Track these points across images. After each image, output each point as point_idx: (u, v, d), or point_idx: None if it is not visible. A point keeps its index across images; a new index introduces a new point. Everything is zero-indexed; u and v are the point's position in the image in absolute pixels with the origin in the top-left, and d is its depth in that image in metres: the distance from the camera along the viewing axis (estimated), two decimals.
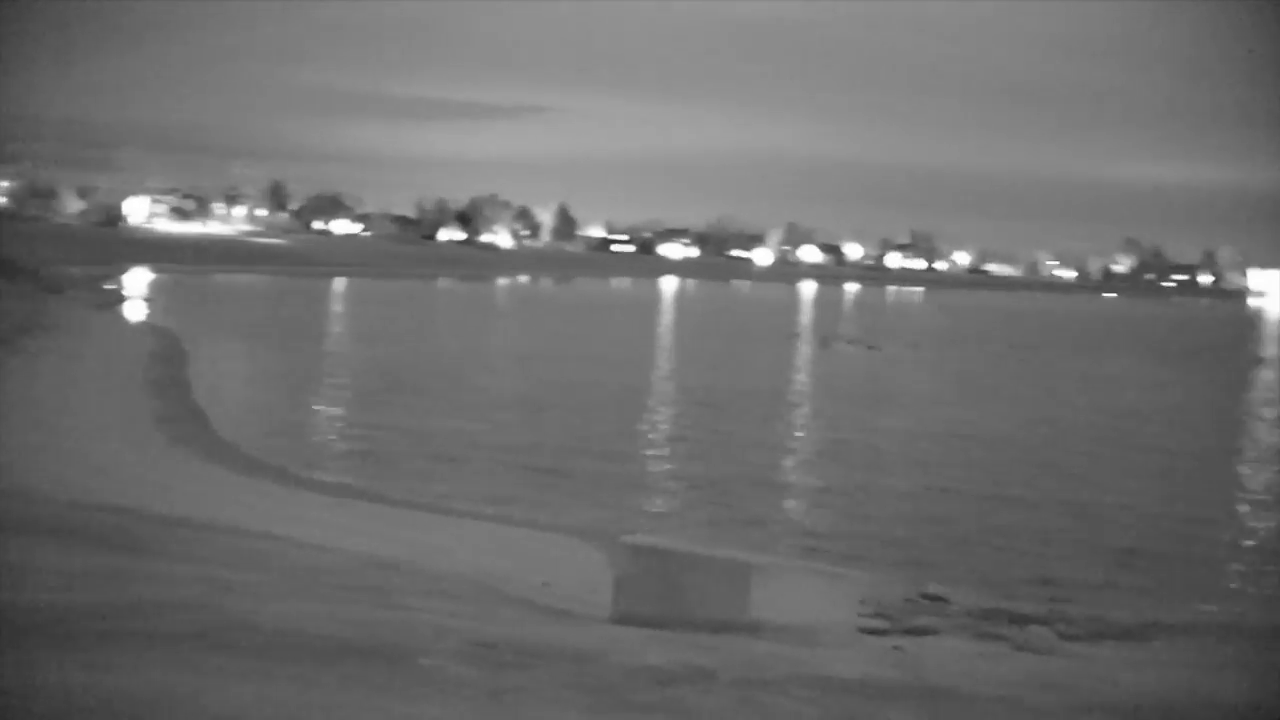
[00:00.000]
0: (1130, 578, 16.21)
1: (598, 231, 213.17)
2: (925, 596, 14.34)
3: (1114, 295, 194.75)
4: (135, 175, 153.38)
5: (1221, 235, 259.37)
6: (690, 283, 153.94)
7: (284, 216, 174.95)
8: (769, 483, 22.66)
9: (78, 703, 5.18)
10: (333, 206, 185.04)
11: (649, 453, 25.93)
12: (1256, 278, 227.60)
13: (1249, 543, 18.82)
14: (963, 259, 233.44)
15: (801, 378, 44.76)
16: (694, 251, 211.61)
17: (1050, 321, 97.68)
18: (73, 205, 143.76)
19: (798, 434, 29.74)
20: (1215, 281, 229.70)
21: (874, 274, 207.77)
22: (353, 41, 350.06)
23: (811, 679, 7.19)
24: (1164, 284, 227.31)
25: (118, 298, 67.60)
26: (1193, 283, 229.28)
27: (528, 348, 51.38)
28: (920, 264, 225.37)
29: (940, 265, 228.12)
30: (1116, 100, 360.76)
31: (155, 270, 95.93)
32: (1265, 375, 54.98)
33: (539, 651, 7.27)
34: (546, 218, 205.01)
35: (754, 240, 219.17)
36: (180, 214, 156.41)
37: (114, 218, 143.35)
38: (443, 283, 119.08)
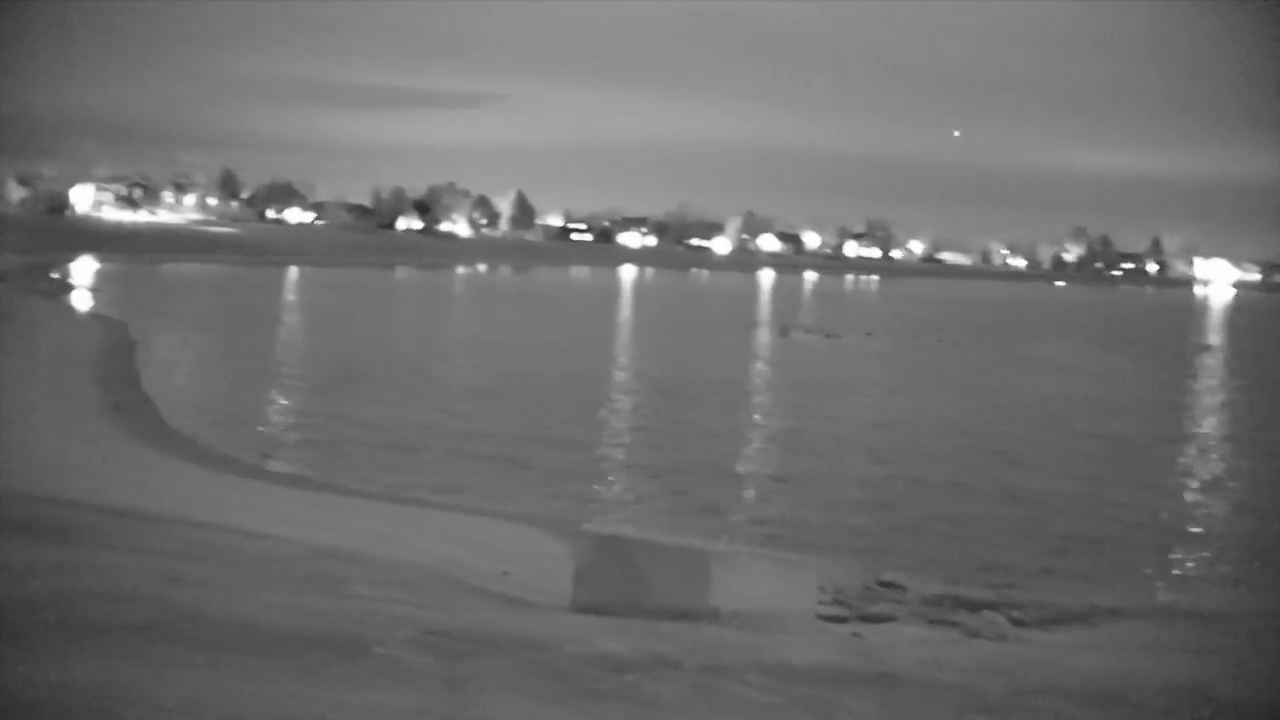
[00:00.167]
0: (1077, 563, 16.48)
1: (556, 220, 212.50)
2: (882, 584, 14.46)
3: (1063, 283, 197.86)
4: (82, 163, 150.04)
5: (1168, 224, 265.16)
6: (649, 271, 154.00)
7: (235, 205, 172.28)
8: (727, 471, 22.72)
9: (23, 695, 5.04)
10: (285, 195, 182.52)
11: (608, 442, 25.89)
12: (1201, 266, 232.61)
13: (1192, 529, 19.20)
14: (918, 248, 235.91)
15: (760, 366, 44.96)
16: (652, 240, 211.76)
17: (1001, 309, 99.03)
18: (15, 193, 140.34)
19: (756, 423, 29.86)
20: (1161, 270, 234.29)
21: (832, 263, 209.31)
22: (304, 28, 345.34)
23: (771, 666, 7.21)
24: (1112, 272, 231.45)
25: (64, 287, 66.19)
26: (1140, 271, 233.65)
27: (486, 337, 51.07)
28: (876, 253, 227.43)
29: (896, 254, 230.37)
30: (1066, 89, 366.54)
31: (102, 259, 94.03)
32: (1208, 362, 56.15)
33: (497, 640, 7.21)
34: (505, 206, 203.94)
35: (712, 229, 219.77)
36: (128, 202, 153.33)
37: (59, 206, 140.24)
38: (400, 272, 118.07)
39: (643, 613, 9.51)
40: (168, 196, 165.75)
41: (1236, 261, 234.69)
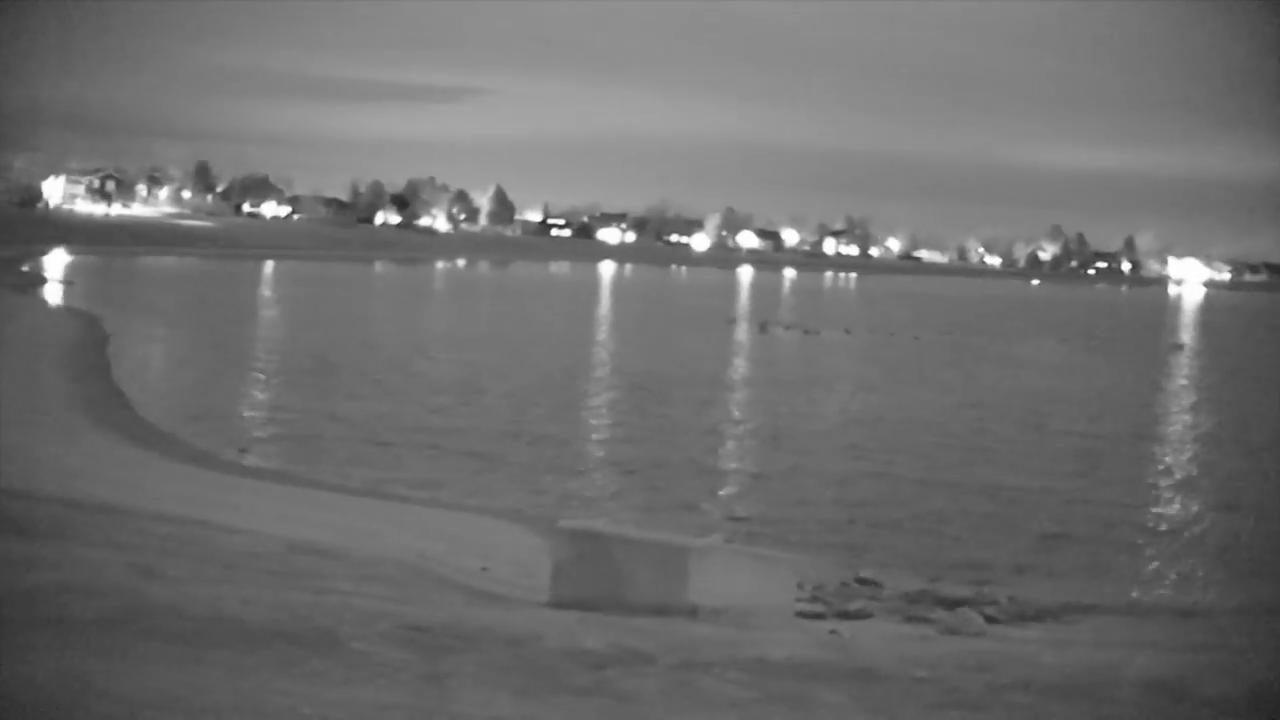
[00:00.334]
0: (1053, 560, 16.61)
1: (535, 215, 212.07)
2: (859, 580, 14.53)
3: (1038, 282, 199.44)
4: (54, 155, 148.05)
5: (1141, 222, 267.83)
6: (628, 267, 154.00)
7: (210, 199, 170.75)
8: (705, 468, 22.75)
9: None
10: (261, 188, 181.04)
11: (586, 438, 25.87)
12: (1174, 265, 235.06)
13: (1165, 526, 19.39)
14: (896, 245, 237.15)
15: (739, 363, 45.05)
16: (632, 236, 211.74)
17: (978, 307, 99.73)
18: None
19: (734, 419, 29.93)
20: (1135, 269, 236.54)
21: (811, 260, 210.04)
22: (281, 21, 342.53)
23: (748, 662, 7.22)
24: (1087, 271, 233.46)
25: (36, 280, 65.44)
26: (1114, 270, 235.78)
27: (464, 332, 50.91)
28: (855, 250, 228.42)
29: (875, 251, 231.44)
30: (1044, 87, 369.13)
31: (75, 253, 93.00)
32: (1181, 361, 56.76)
33: (475, 635, 7.19)
34: (484, 201, 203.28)
35: (692, 225, 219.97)
36: (101, 195, 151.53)
37: (32, 198, 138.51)
38: (378, 266, 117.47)
39: (621, 608, 9.50)
40: (141, 189, 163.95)
41: (1208, 261, 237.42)
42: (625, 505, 19.13)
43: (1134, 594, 15.02)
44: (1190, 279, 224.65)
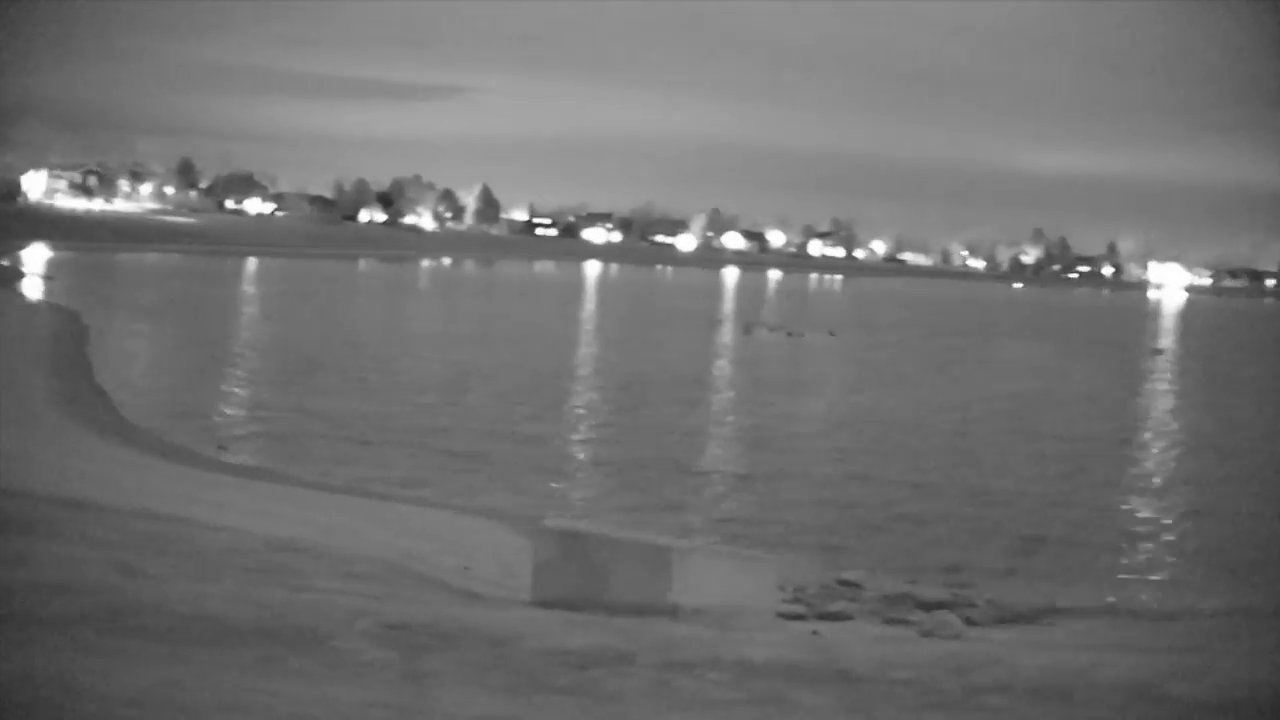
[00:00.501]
0: (1032, 563, 16.70)
1: (521, 214, 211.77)
2: (841, 582, 14.58)
3: (1021, 285, 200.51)
4: (35, 150, 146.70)
5: (1123, 227, 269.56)
6: (614, 267, 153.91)
7: (194, 195, 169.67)
8: (689, 469, 22.76)
9: None
10: (245, 185, 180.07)
11: (570, 438, 25.85)
12: (1155, 270, 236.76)
13: (1144, 530, 19.51)
14: (880, 248, 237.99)
15: (723, 364, 45.10)
16: (617, 236, 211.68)
17: (961, 310, 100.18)
18: None
19: (718, 420, 29.96)
20: (1116, 273, 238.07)
21: (796, 261, 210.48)
22: (268, 17, 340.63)
23: (729, 663, 7.24)
24: (1069, 275, 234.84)
25: (15, 275, 64.88)
26: (1096, 273, 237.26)
27: (448, 330, 50.78)
28: (840, 252, 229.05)
29: (860, 253, 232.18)
30: (1028, 90, 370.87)
31: (55, 248, 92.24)
32: (1162, 365, 57.17)
33: (457, 634, 7.19)
34: (470, 200, 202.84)
35: (678, 226, 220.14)
36: (82, 190, 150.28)
37: (11, 192, 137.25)
38: (363, 264, 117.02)
39: (603, 608, 9.50)
40: (124, 185, 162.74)
41: (1189, 266, 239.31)
42: (608, 506, 19.13)
43: (1111, 597, 15.12)
44: (1171, 284, 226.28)
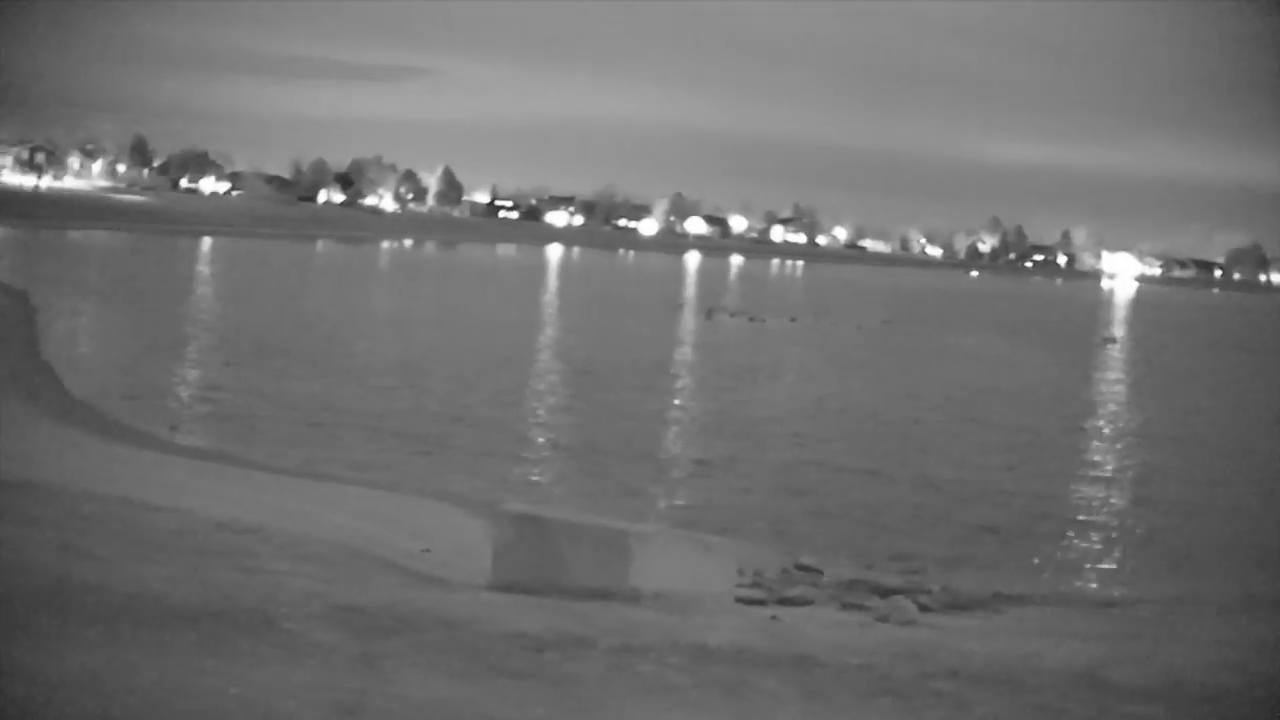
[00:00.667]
0: (984, 552, 16.92)
1: (484, 196, 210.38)
2: (799, 567, 14.63)
3: (977, 273, 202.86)
4: None
5: (1077, 216, 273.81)
6: (575, 251, 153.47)
7: (146, 174, 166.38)
8: (648, 454, 22.74)
9: None
10: (200, 164, 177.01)
11: (529, 422, 25.72)
12: (1108, 259, 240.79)
13: (1092, 519, 19.81)
14: (841, 234, 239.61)
15: (684, 349, 45.14)
16: (579, 220, 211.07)
17: (919, 298, 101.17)
18: None
19: (678, 405, 29.96)
20: (1070, 262, 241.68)
21: (758, 247, 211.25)
22: None
23: (687, 647, 7.22)
24: (1025, 264, 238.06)
25: None
26: (1051, 262, 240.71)
27: (408, 313, 50.32)
28: (802, 238, 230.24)
29: (821, 240, 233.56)
30: (985, 82, 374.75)
31: (1, 225, 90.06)
32: (1114, 354, 58.12)
33: (411, 617, 7.09)
34: (432, 182, 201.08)
35: (640, 210, 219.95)
36: (30, 167, 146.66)
37: None
38: (321, 245, 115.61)
39: (562, 592, 9.44)
40: (74, 162, 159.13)
41: (1140, 256, 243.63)
42: (567, 490, 19.06)
43: (1059, 585, 15.35)
44: (1123, 273, 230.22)
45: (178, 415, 23.37)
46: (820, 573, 14.41)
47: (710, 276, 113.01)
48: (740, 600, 11.43)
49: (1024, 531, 18.40)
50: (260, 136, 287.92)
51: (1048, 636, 9.64)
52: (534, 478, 20.10)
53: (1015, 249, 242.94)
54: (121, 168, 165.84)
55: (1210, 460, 26.93)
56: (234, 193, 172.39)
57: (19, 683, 4.96)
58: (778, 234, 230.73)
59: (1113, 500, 21.57)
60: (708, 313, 62.56)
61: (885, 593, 13.13)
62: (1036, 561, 16.63)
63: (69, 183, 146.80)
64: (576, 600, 9.06)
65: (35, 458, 14.39)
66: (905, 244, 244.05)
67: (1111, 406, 36.89)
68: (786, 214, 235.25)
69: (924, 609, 12.35)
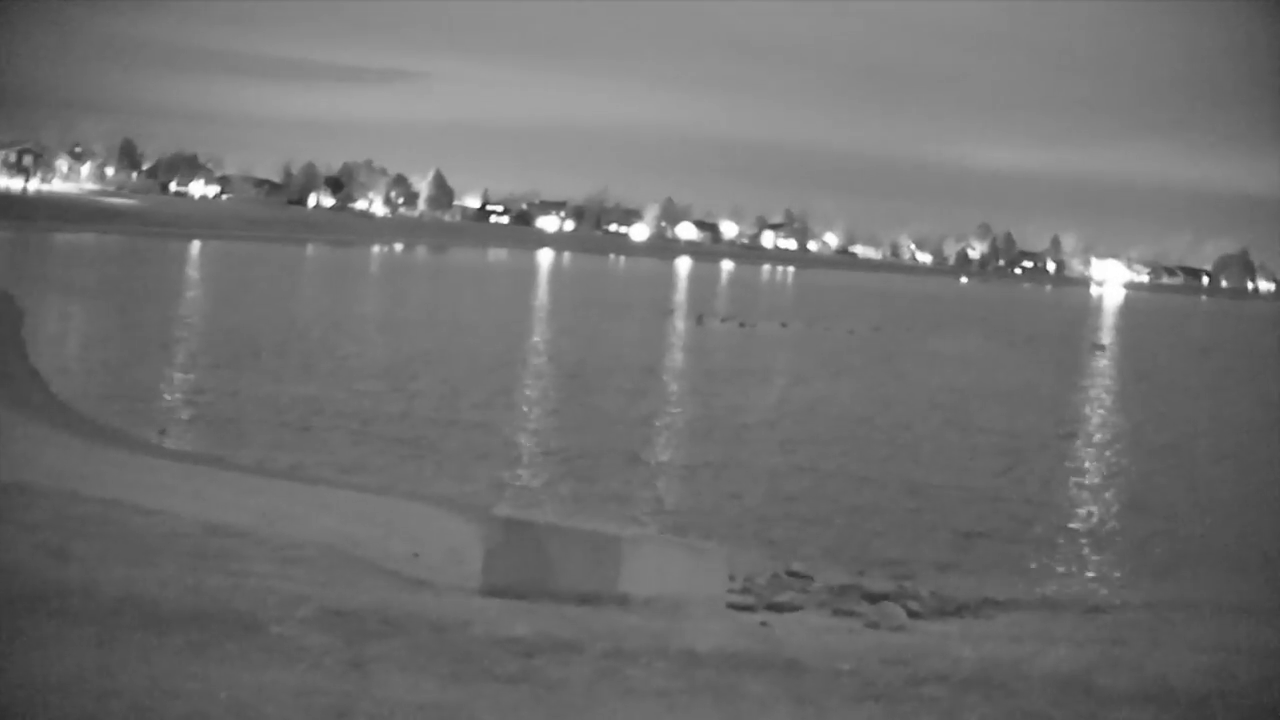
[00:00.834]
0: (972, 557, 16.98)
1: (475, 201, 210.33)
2: (790, 573, 14.65)
3: (967, 280, 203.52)
4: None
5: (1066, 223, 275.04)
6: (566, 256, 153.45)
7: (135, 176, 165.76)
8: (637, 459, 22.73)
9: None
10: (189, 167, 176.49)
11: (518, 426, 25.69)
12: (1096, 266, 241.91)
13: (1079, 525, 19.89)
14: (832, 240, 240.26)
15: (674, 354, 45.16)
16: (571, 225, 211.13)
17: (909, 303, 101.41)
18: None
19: (668, 410, 29.96)
20: (1059, 269, 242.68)
21: (749, 252, 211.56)
22: None
23: (677, 652, 7.21)
24: (1014, 270, 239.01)
25: None
26: (1040, 269, 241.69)
27: (397, 316, 50.23)
28: (793, 244, 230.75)
29: (812, 245, 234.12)
30: (976, 86, 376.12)
31: None
32: (1101, 361, 58.36)
33: (401, 621, 7.07)
34: (423, 186, 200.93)
35: (631, 215, 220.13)
36: (17, 169, 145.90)
37: None
38: (311, 249, 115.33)
39: (552, 597, 9.42)
40: (62, 165, 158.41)
41: (1128, 262, 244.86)
42: (556, 495, 19.03)
43: (1049, 590, 15.42)
44: (1111, 280, 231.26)
45: (167, 418, 23.28)
46: (810, 578, 14.42)
47: (701, 282, 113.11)
48: (731, 606, 11.43)
49: (1014, 537, 18.46)
50: (250, 139, 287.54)
51: (1038, 641, 9.66)
52: (524, 482, 20.06)
53: (1005, 255, 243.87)
54: (110, 170, 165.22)
55: (1198, 466, 27.06)
56: (223, 196, 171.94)
57: (8, 685, 4.93)
58: (769, 239, 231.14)
59: (1102, 506, 21.65)
60: (698, 318, 62.61)
61: (875, 598, 13.15)
62: (1026, 567, 16.69)
63: (57, 185, 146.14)
64: (566, 605, 9.05)
65: (21, 460, 14.31)
66: (896, 250, 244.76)
67: (1100, 413, 37.03)
68: (778, 219, 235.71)
69: (914, 614, 12.38)
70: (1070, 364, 53.85)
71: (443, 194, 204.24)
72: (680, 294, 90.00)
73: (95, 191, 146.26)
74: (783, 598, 12.91)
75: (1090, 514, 20.84)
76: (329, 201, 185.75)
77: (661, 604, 9.76)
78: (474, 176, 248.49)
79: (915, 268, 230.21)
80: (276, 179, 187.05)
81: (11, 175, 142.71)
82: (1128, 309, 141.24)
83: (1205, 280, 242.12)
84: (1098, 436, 31.42)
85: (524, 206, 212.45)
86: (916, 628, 11.55)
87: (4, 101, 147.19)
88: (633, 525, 16.23)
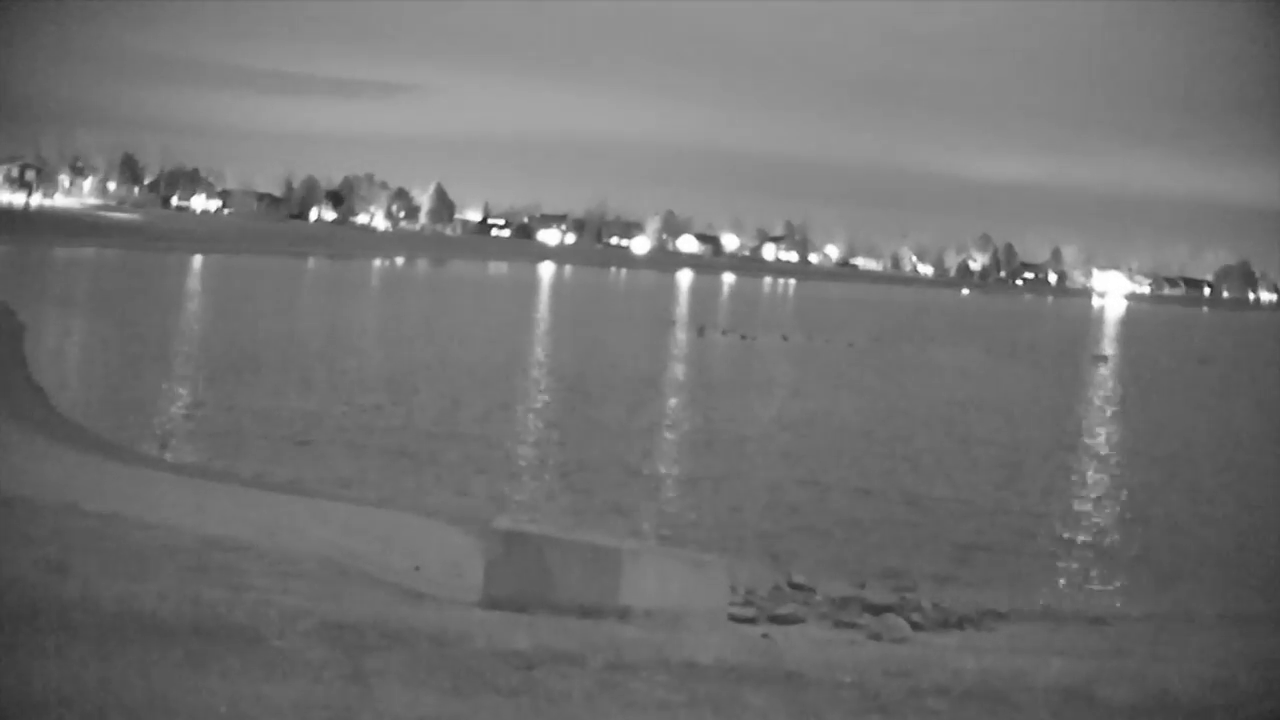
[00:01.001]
0: (973, 569, 16.97)
1: (475, 214, 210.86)
2: (791, 585, 14.63)
3: (968, 291, 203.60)
4: None
5: (1068, 234, 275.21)
6: (567, 269, 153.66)
7: (137, 191, 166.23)
8: (637, 471, 22.71)
9: None
10: (190, 181, 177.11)
11: (518, 438, 25.68)
12: (1098, 278, 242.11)
13: (1080, 536, 19.85)
14: (833, 252, 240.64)
15: (675, 366, 45.17)
16: (571, 238, 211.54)
17: (910, 315, 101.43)
18: None
19: (668, 422, 29.95)
20: (1060, 280, 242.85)
21: (750, 265, 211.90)
22: (217, 10, 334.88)
23: (678, 665, 7.19)
24: (1015, 281, 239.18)
25: None
26: (1041, 280, 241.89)
27: (397, 329, 50.27)
28: (794, 256, 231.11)
29: (813, 257, 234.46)
30: (976, 98, 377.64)
31: None
32: (1103, 373, 58.33)
33: (401, 634, 7.06)
34: (424, 199, 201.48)
35: (632, 228, 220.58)
36: (19, 184, 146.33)
37: None
38: (312, 263, 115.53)
39: (552, 609, 9.41)
40: (64, 180, 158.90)
41: (1129, 274, 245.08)
42: (556, 507, 19.01)
43: (1050, 602, 15.40)
44: (1113, 291, 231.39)
45: (167, 432, 23.28)
46: (812, 590, 14.41)
47: (702, 294, 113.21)
48: (732, 618, 11.41)
49: (1015, 549, 18.44)
50: (251, 153, 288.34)
51: (1039, 653, 9.65)
52: (524, 494, 20.05)
53: (1006, 267, 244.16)
54: (112, 185, 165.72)
55: (1200, 477, 27.02)
56: (225, 210, 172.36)
57: (8, 699, 4.92)
58: (770, 252, 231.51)
59: (1103, 517, 21.61)
60: (699, 330, 62.65)
61: (877, 610, 13.13)
62: (1028, 578, 16.66)
63: (59, 200, 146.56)
64: (567, 617, 9.04)
65: (21, 474, 14.31)
66: (897, 262, 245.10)
67: (1101, 424, 37.00)
68: (778, 231, 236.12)
69: (916, 626, 12.35)
70: (1071, 375, 53.83)
71: (444, 207, 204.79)
72: (681, 306, 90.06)
73: (97, 206, 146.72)
74: (784, 610, 12.89)
75: (1091, 525, 20.81)
76: (330, 215, 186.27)
77: (662, 616, 9.75)
78: (475, 190, 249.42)
79: (916, 279, 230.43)
80: (278, 193, 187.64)
81: (13, 190, 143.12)
82: (1129, 320, 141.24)
83: (1207, 291, 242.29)
84: (1099, 448, 31.38)
85: (525, 219, 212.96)
86: (918, 639, 11.52)
87: (5, 116, 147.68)
88: (633, 537, 16.21)
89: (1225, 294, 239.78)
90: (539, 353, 45.64)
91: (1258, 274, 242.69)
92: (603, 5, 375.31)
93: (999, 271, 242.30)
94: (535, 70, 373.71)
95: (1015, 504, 21.94)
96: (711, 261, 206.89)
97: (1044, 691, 7.01)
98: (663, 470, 23.25)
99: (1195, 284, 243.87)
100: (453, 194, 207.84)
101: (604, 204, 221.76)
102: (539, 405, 31.09)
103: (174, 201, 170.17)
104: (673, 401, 34.08)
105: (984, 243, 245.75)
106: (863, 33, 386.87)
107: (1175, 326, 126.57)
